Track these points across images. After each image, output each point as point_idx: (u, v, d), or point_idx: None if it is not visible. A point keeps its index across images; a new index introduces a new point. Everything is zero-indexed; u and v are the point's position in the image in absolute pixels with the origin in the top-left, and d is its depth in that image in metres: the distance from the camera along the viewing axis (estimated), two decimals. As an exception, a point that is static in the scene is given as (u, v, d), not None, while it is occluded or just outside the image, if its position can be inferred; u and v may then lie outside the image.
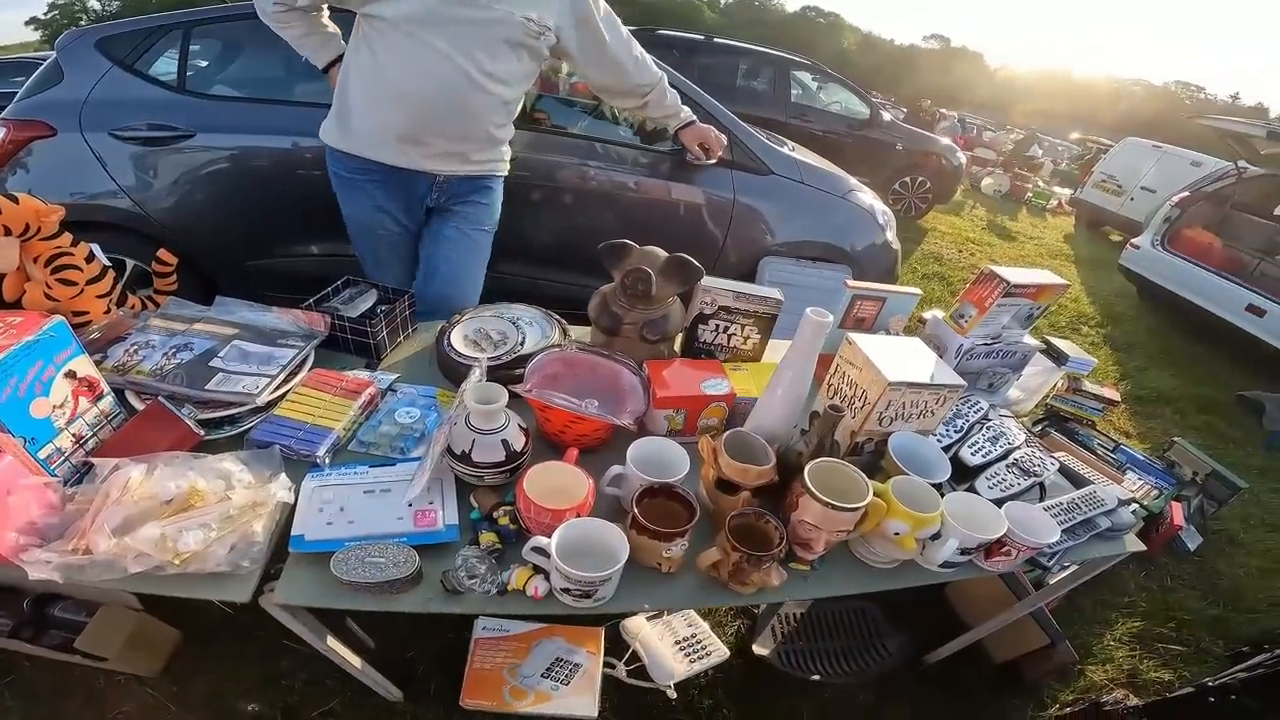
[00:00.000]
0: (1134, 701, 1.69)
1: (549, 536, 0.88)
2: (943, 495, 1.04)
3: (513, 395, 1.07)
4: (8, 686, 1.42)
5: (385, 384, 1.30)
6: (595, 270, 1.27)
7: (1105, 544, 1.25)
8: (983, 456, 1.24)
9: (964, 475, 1.23)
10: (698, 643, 1.66)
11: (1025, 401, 2.61)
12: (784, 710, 1.65)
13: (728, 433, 1.03)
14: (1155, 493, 2.43)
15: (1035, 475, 1.23)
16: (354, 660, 1.19)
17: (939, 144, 7.13)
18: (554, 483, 0.97)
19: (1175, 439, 2.91)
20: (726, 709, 1.64)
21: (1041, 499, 1.25)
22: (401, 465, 1.09)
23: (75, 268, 1.27)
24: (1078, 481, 1.38)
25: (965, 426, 1.30)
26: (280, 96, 2.37)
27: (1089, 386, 2.74)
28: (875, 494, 0.95)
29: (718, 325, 1.33)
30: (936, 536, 1.02)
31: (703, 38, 6.53)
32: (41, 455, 0.94)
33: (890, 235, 2.96)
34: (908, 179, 6.94)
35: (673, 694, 1.52)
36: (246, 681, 1.48)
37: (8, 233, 1.18)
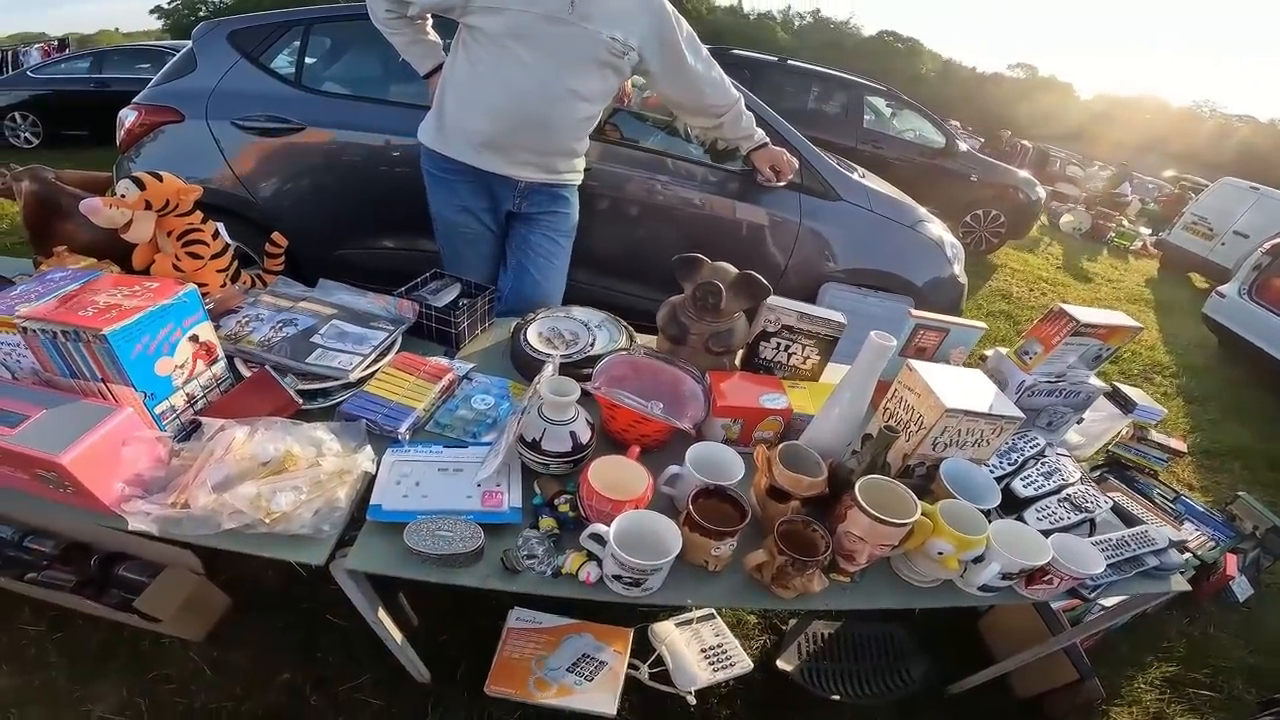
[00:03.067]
0: None
1: (607, 525, 0.93)
2: (990, 522, 1.06)
3: (582, 392, 1.15)
4: (56, 643, 1.50)
5: (463, 371, 1.40)
6: (656, 282, 1.32)
7: (1150, 582, 1.24)
8: (1035, 489, 1.26)
9: (1014, 506, 1.24)
10: (723, 652, 1.67)
11: (1086, 447, 2.53)
12: None
13: (783, 444, 1.07)
14: (1211, 544, 2.36)
15: (1086, 511, 1.23)
16: (396, 635, 1.25)
17: (1016, 176, 6.93)
18: (615, 476, 1.03)
19: (1240, 493, 2.79)
20: None
21: (1091, 534, 1.25)
22: (473, 448, 1.17)
23: (203, 243, 1.41)
24: (1130, 521, 1.37)
25: (1020, 460, 1.31)
26: (379, 95, 2.52)
27: (1155, 436, 2.64)
28: (923, 513, 0.98)
29: (779, 343, 1.37)
30: (979, 560, 1.04)
31: (776, 59, 6.57)
32: (157, 411, 1.04)
33: (958, 269, 2.92)
34: (980, 211, 6.76)
35: (692, 700, 1.53)
36: (284, 652, 1.55)
37: (148, 207, 1.32)
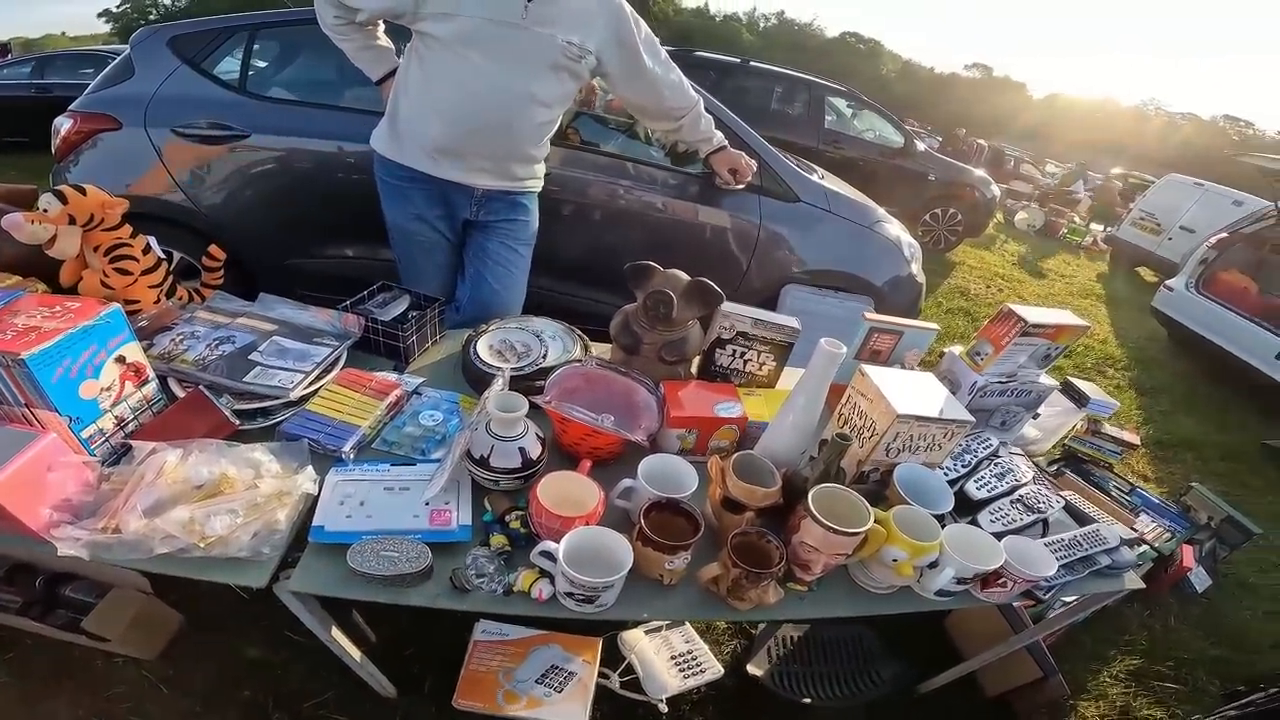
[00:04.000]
0: None
1: (558, 542, 0.91)
2: (944, 527, 1.06)
3: (532, 405, 1.12)
4: (6, 664, 1.45)
5: (411, 387, 1.36)
6: (620, 288, 1.31)
7: (1104, 580, 1.26)
8: (988, 491, 1.26)
9: (968, 509, 1.25)
10: (693, 659, 1.68)
11: (1043, 441, 2.58)
12: None
13: (737, 454, 1.06)
14: (1167, 535, 2.40)
15: (1039, 511, 1.24)
16: (354, 652, 1.23)
17: (973, 175, 7.07)
18: (566, 491, 1.01)
19: (1193, 484, 2.87)
20: None
21: (1044, 535, 1.25)
22: (422, 465, 1.14)
23: (132, 258, 1.35)
24: (1082, 520, 1.38)
25: (973, 462, 1.32)
26: (329, 101, 2.46)
27: (1109, 429, 2.70)
28: (876, 521, 0.97)
29: (735, 350, 1.36)
30: (934, 565, 1.04)
31: (739, 61, 6.61)
32: (84, 435, 1.00)
33: (915, 268, 2.96)
34: (939, 210, 6.89)
35: (664, 708, 1.53)
36: (243, 669, 1.51)
37: (72, 221, 1.25)
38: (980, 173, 7.32)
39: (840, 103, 6.95)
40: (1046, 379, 1.53)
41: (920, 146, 6.85)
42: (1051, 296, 6.72)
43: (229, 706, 1.45)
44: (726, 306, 1.32)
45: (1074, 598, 1.49)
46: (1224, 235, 5.40)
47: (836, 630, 1.88)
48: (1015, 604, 1.72)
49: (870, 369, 1.13)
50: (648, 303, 1.22)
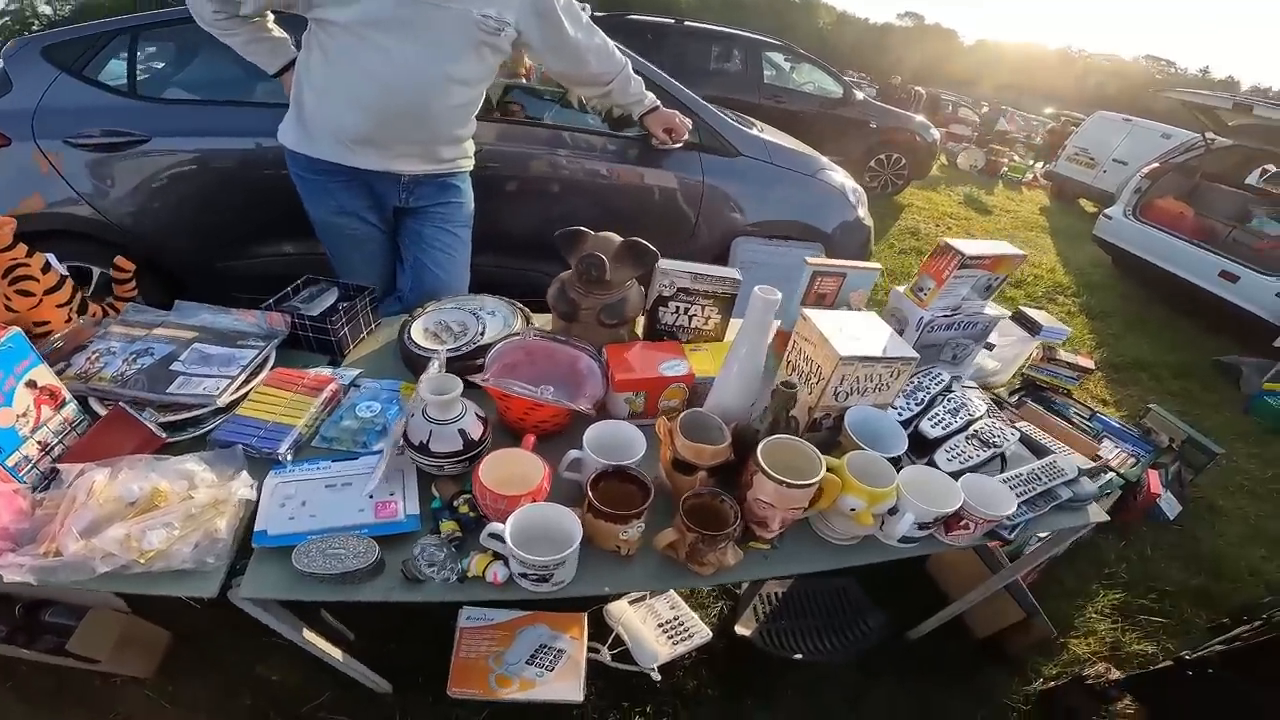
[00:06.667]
0: (1115, 675, 1.70)
1: (504, 522, 0.88)
2: (900, 469, 1.06)
3: (473, 385, 1.08)
4: (10, 690, 1.45)
5: (348, 380, 1.31)
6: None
7: (1068, 515, 1.26)
8: (943, 429, 1.25)
9: (924, 448, 1.23)
10: (680, 625, 1.69)
11: (1002, 372, 2.64)
12: (767, 689, 1.67)
13: (684, 413, 1.03)
14: (1132, 460, 2.45)
15: (995, 446, 1.23)
16: (334, 652, 1.22)
17: (913, 121, 7.17)
18: (512, 469, 0.98)
19: (1151, 405, 2.93)
20: (711, 689, 1.65)
21: (1003, 470, 1.25)
22: (364, 459, 1.10)
23: (32, 278, 1.26)
24: (1040, 452, 1.39)
25: (926, 399, 1.31)
26: (240, 98, 2.33)
27: (1064, 355, 2.76)
28: (829, 470, 0.96)
29: (678, 307, 1.33)
30: (895, 512, 1.02)
31: (674, 21, 6.49)
32: (9, 463, 0.96)
33: (862, 212, 2.98)
34: (883, 156, 6.96)
35: (657, 676, 1.53)
36: (240, 678, 1.50)
37: (-46, 246, 1.16)
38: (920, 118, 7.42)
39: (778, 57, 6.92)
40: (992, 309, 1.54)
41: (859, 96, 6.86)
42: (999, 231, 6.86)
43: (233, 717, 1.45)
44: (665, 263, 1.29)
45: (1044, 534, 1.50)
46: (1156, 165, 5.61)
47: (820, 583, 1.89)
48: (989, 544, 1.77)
49: (813, 313, 1.11)
50: (579, 266, 1.18)
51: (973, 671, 1.79)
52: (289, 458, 1.09)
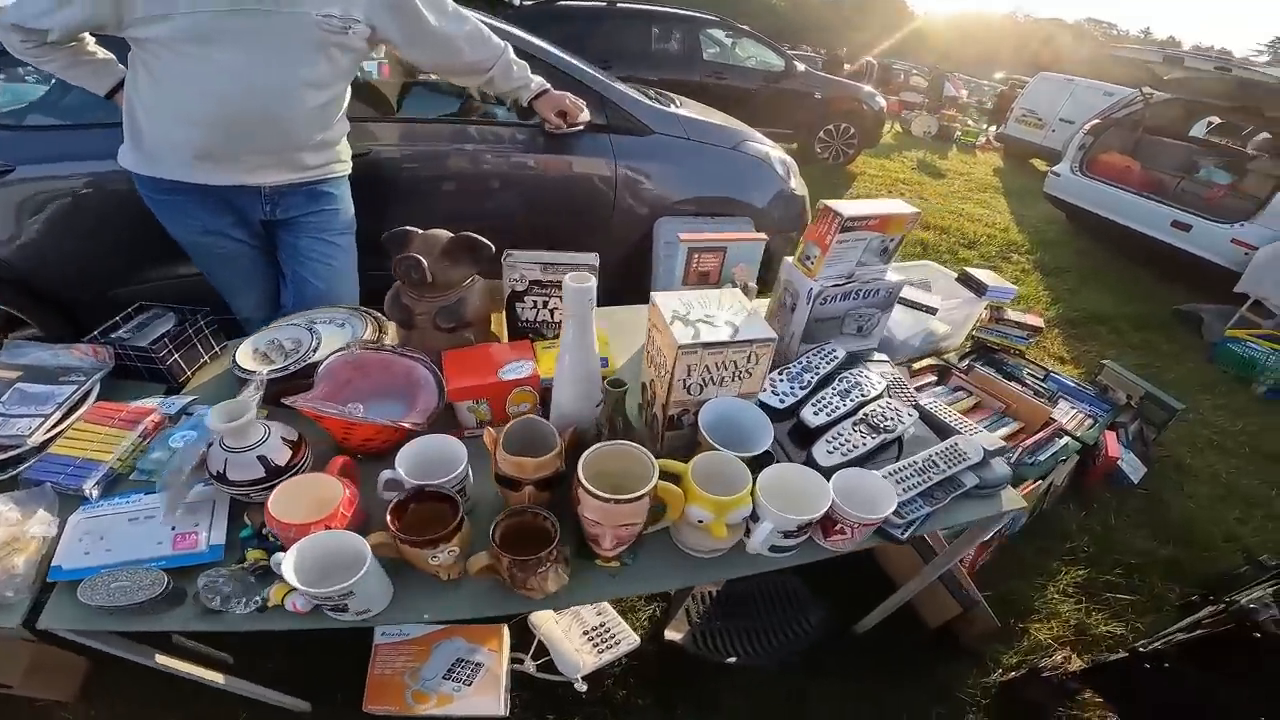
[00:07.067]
0: (1074, 666, 1.60)
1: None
2: (764, 468, 0.94)
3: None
4: None
5: (174, 409, 1.20)
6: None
7: (976, 505, 1.14)
8: (826, 415, 1.11)
9: (808, 439, 1.10)
10: (607, 632, 1.62)
11: (954, 336, 2.54)
12: (706, 696, 1.59)
13: (512, 422, 0.92)
14: (1089, 422, 2.33)
15: (886, 431, 1.10)
16: (212, 677, 1.21)
17: (859, 90, 7.09)
18: (314, 495, 0.89)
19: (1105, 361, 2.83)
20: (641, 699, 1.57)
21: (899, 456, 1.12)
22: (176, 490, 1.02)
23: None
24: (944, 432, 1.24)
25: (813, 382, 1.20)
26: (105, 119, 2.16)
27: (1012, 315, 2.65)
28: (673, 476, 0.84)
29: (534, 301, 1.21)
30: (758, 519, 0.90)
31: (605, 4, 6.29)
32: None
33: (795, 183, 2.89)
34: (832, 126, 6.88)
35: (582, 687, 1.47)
36: (159, 701, 1.46)
37: None
38: (868, 88, 7.36)
39: (718, 34, 6.77)
40: (894, 274, 1.43)
41: (800, 67, 6.74)
42: (953, 194, 6.81)
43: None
44: (514, 255, 1.16)
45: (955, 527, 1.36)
46: (1097, 121, 5.67)
47: (759, 578, 1.78)
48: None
49: (661, 296, 0.98)
50: (397, 271, 1.06)
51: (927, 665, 1.70)
52: (95, 493, 1.05)
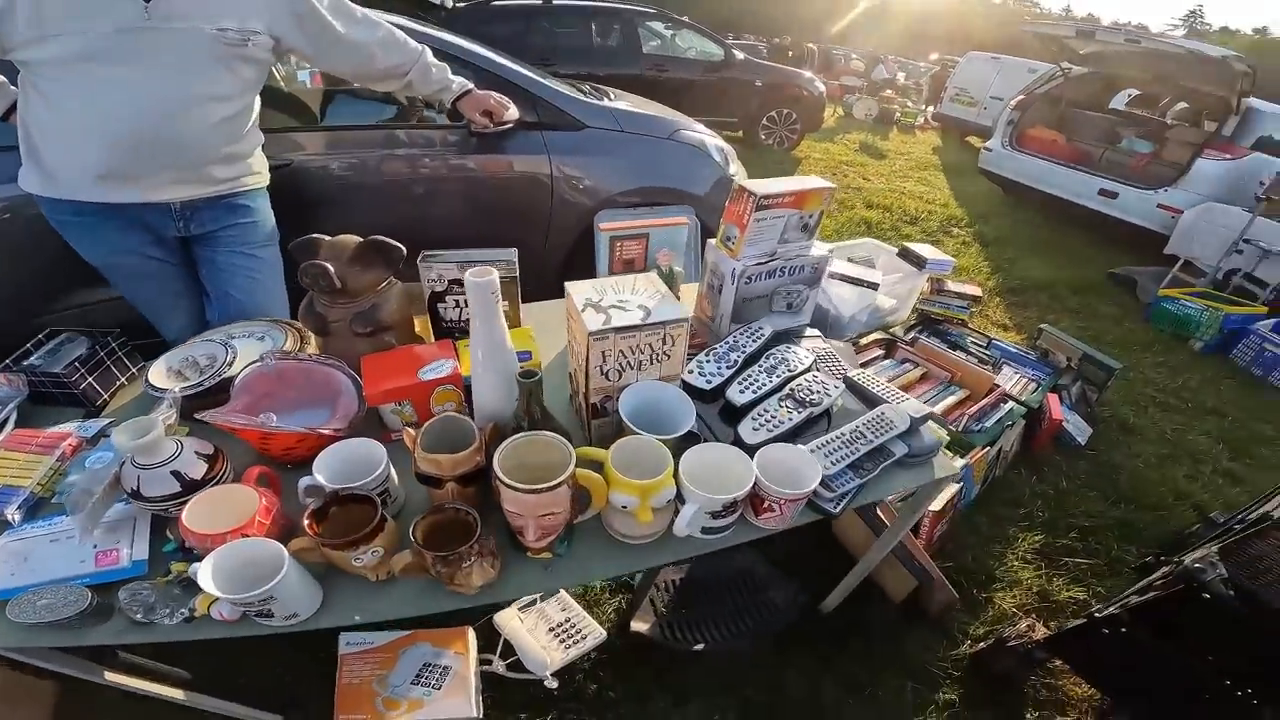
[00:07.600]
0: (1040, 634, 1.62)
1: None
2: (689, 448, 0.95)
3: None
4: None
5: (91, 432, 1.18)
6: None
7: (908, 473, 1.15)
8: (753, 393, 1.13)
9: (735, 417, 1.12)
10: (572, 627, 1.61)
11: (900, 310, 2.61)
12: (678, 684, 1.59)
13: (430, 420, 0.92)
14: (1033, 386, 2.41)
15: (811, 405, 1.10)
16: (173, 694, 1.22)
17: (799, 76, 7.19)
18: (232, 506, 0.88)
19: (1043, 326, 2.92)
20: (611, 692, 1.58)
21: (829, 428, 1.13)
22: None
23: None
24: (872, 402, 1.25)
25: (739, 360, 1.21)
26: (4, 144, 2.08)
27: (952, 286, 2.73)
28: (596, 463, 0.85)
29: (457, 300, 1.21)
30: (685, 501, 0.91)
31: (540, 2, 6.26)
32: None
33: (734, 169, 2.90)
34: (774, 113, 6.97)
35: (552, 684, 1.46)
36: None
37: None
38: (808, 74, 7.48)
39: (657, 26, 6.79)
40: (818, 249, 1.46)
41: (739, 56, 6.80)
42: (894, 173, 6.95)
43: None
44: (432, 254, 1.16)
45: (892, 495, 1.36)
46: (1022, 97, 5.89)
47: (721, 563, 1.80)
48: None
49: (574, 285, 0.99)
50: (303, 280, 1.04)
51: (896, 639, 1.71)
52: (17, 518, 1.04)
